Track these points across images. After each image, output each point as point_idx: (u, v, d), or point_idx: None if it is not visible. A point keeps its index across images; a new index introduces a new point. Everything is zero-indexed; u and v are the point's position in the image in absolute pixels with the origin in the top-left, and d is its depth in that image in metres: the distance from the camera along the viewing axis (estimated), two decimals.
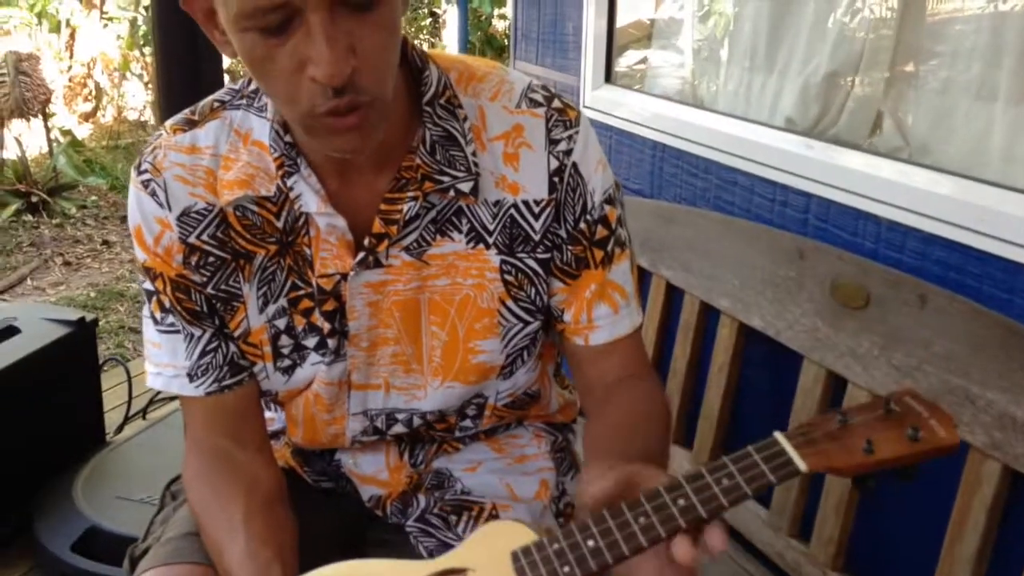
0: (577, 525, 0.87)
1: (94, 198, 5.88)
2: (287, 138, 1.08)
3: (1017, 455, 1.17)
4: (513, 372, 1.20)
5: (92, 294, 4.69)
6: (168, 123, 1.16)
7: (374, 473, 1.31)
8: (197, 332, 1.15)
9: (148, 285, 1.15)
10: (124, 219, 5.62)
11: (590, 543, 0.85)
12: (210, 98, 1.17)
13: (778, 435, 0.85)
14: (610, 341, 1.18)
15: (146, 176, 1.12)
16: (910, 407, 0.86)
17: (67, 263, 5.11)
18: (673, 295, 1.81)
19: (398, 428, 1.23)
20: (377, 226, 1.10)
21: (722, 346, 1.66)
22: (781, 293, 1.52)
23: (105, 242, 5.39)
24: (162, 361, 1.16)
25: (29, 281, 4.85)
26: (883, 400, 0.85)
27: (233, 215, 1.12)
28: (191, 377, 1.16)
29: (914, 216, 1.35)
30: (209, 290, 1.14)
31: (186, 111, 1.17)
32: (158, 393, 2.99)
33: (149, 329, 1.17)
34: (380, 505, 1.31)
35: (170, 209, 1.11)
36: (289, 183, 1.09)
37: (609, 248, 1.16)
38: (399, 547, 1.27)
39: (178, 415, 2.68)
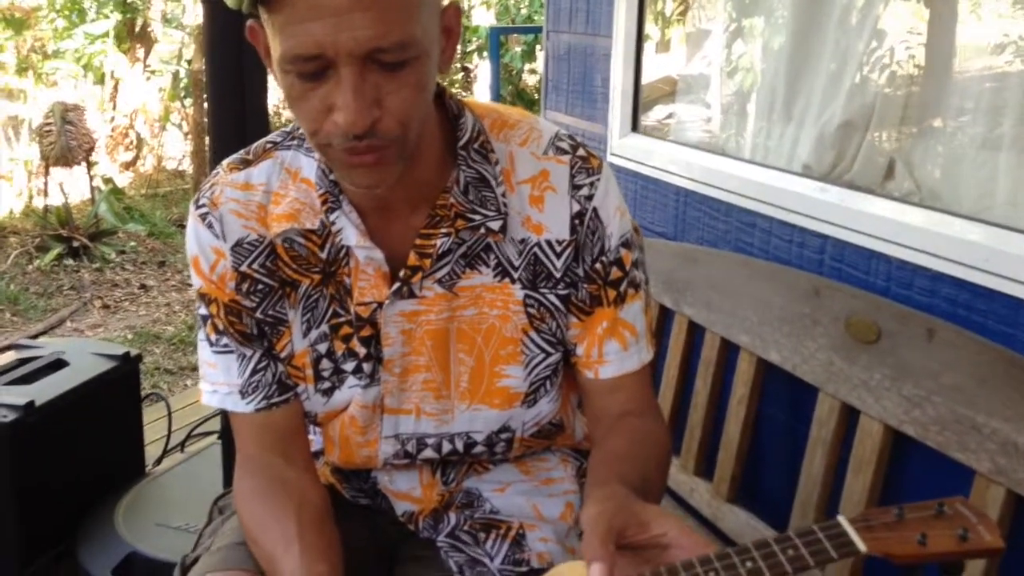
0: (651, 572, 0.94)
1: (133, 244, 6.03)
2: (331, 176, 1.17)
3: (1020, 480, 1.22)
4: (536, 401, 1.27)
5: (129, 336, 4.81)
6: (225, 162, 1.27)
7: (408, 490, 1.37)
8: (248, 352, 1.23)
9: (203, 310, 1.25)
10: (161, 264, 5.79)
11: None
12: (263, 140, 1.28)
13: (841, 519, 0.93)
14: (618, 376, 1.25)
15: (204, 210, 1.22)
16: (960, 512, 0.93)
17: (105, 306, 5.24)
18: (695, 332, 1.89)
19: (428, 453, 1.30)
20: (412, 259, 1.18)
21: (741, 380, 1.73)
22: (797, 329, 1.60)
23: (143, 286, 5.53)
24: (217, 380, 1.25)
25: (69, 323, 4.98)
26: (936, 503, 0.93)
27: (281, 246, 1.21)
28: (243, 394, 1.24)
29: (923, 256, 1.43)
30: (258, 315, 1.23)
31: (241, 152, 1.27)
32: (196, 427, 3.08)
33: (205, 351, 1.26)
34: (413, 520, 1.38)
35: (225, 240, 1.21)
36: (332, 218, 1.19)
37: (622, 288, 1.24)
38: (430, 562, 1.33)
39: (215, 448, 2.76)
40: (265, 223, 1.22)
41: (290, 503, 1.20)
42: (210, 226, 1.22)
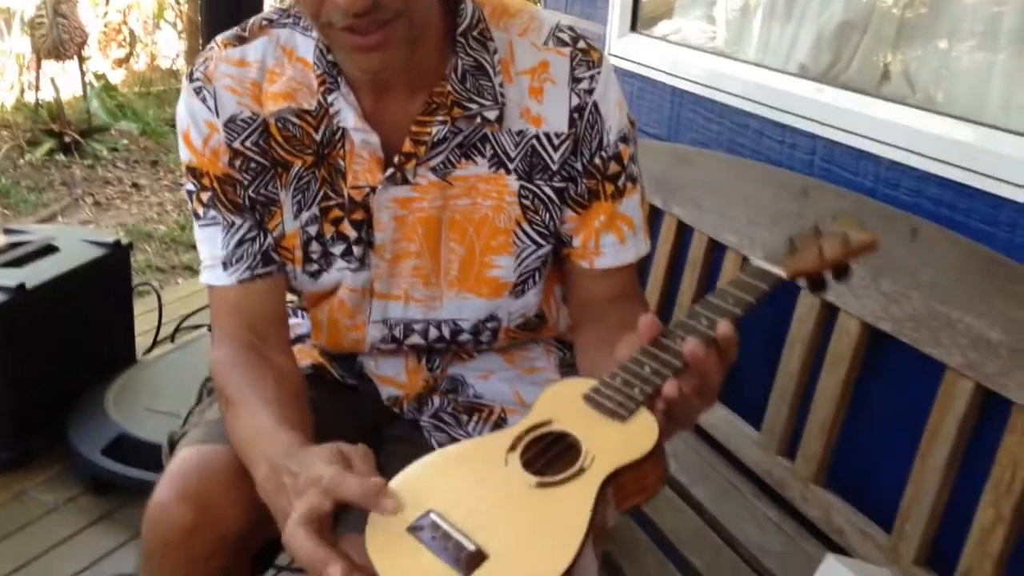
0: (629, 360, 1.00)
1: (125, 142, 5.96)
2: (329, 57, 1.16)
3: (989, 374, 1.25)
4: (524, 291, 1.29)
5: (120, 234, 4.79)
6: (219, 38, 1.25)
7: (393, 375, 1.40)
8: (238, 222, 1.23)
9: (190, 186, 1.24)
10: (154, 163, 5.75)
11: (646, 368, 0.98)
12: (258, 16, 1.26)
13: (755, 260, 1.04)
14: (613, 267, 1.27)
15: (198, 84, 1.22)
16: (834, 227, 1.09)
17: (97, 203, 5.20)
18: (683, 232, 1.90)
19: (415, 339, 1.32)
20: (407, 146, 1.18)
21: (726, 279, 1.74)
22: (784, 228, 1.60)
23: (135, 185, 5.48)
24: (204, 255, 1.24)
25: (60, 219, 4.95)
26: (814, 227, 1.08)
27: (275, 126, 1.21)
28: (225, 265, 1.23)
29: (912, 156, 1.44)
30: (250, 192, 1.23)
31: (236, 28, 1.25)
32: (186, 318, 3.10)
33: (195, 229, 1.25)
34: (398, 404, 1.40)
35: (218, 115, 1.21)
36: (330, 99, 1.18)
37: (620, 183, 1.25)
38: (414, 441, 1.36)
39: (204, 340, 2.79)
40: (259, 101, 1.21)
41: (268, 375, 1.19)
42: (204, 100, 1.21)
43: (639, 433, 0.94)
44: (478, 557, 0.85)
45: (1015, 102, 1.43)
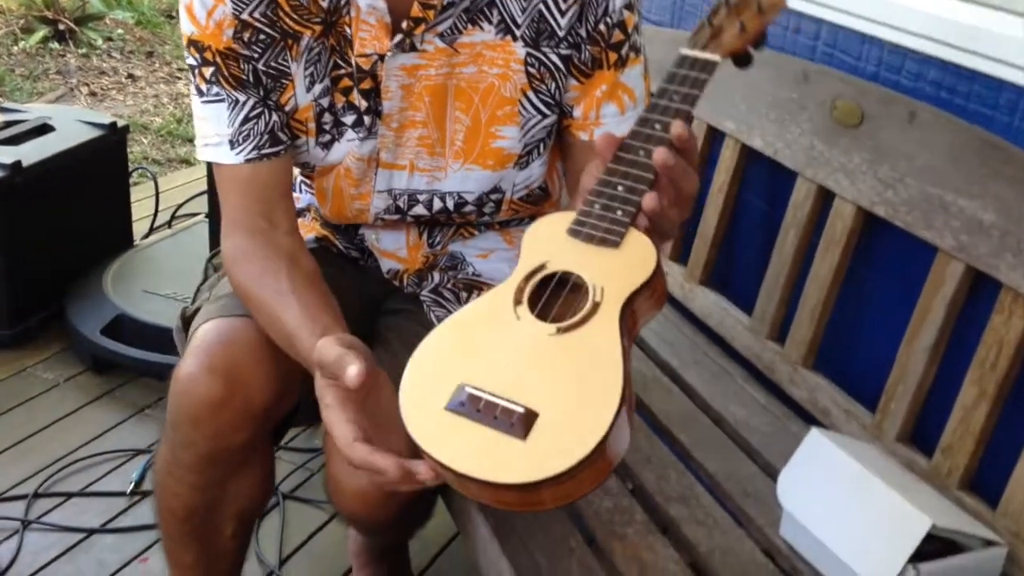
0: (597, 184, 1.00)
1: (120, 32, 5.85)
2: None
3: (980, 255, 1.26)
4: (529, 163, 1.29)
5: None
6: None
7: (394, 250, 1.41)
8: (242, 98, 1.22)
9: (192, 60, 1.22)
10: (150, 55, 5.66)
11: (620, 188, 0.98)
12: None
13: (684, 51, 1.05)
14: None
15: None
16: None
17: (92, 93, 5.14)
18: None
19: (419, 210, 1.32)
20: (415, 10, 1.17)
21: (724, 167, 1.74)
22: (783, 114, 1.60)
23: (130, 76, 5.40)
24: (208, 132, 1.24)
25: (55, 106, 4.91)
26: (723, 1, 1.07)
27: None
28: (232, 144, 1.22)
29: (913, 38, 1.42)
30: (260, 66, 1.21)
31: None
32: (181, 205, 3.10)
33: (196, 104, 1.24)
34: (398, 278, 1.42)
35: None
36: None
37: (623, 52, 1.24)
38: (412, 314, 1.38)
39: (202, 226, 2.80)
40: None
41: (280, 262, 1.20)
42: None
43: (638, 254, 0.93)
44: (530, 417, 0.83)
45: None
